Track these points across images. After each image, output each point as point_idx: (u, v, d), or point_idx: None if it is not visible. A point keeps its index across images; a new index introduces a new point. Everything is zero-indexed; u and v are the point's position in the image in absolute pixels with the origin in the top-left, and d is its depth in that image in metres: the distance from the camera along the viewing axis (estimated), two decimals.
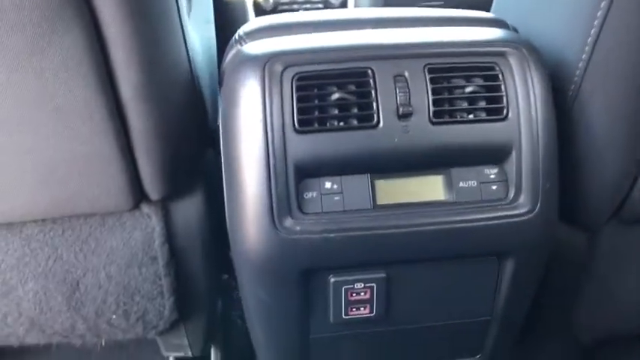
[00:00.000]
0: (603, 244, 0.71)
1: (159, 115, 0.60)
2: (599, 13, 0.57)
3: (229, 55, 0.64)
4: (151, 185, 0.66)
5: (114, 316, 0.73)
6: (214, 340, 0.96)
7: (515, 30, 0.68)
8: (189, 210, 0.72)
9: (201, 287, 0.78)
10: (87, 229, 0.69)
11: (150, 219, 0.69)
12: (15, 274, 0.69)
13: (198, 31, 0.74)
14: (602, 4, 0.57)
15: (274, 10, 1.68)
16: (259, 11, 1.68)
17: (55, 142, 0.59)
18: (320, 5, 1.71)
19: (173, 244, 0.71)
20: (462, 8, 1.97)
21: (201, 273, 0.76)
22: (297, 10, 1.69)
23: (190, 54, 0.66)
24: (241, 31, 0.66)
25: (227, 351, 0.99)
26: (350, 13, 0.72)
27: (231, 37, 1.78)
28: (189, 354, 0.88)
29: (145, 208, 0.69)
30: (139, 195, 0.66)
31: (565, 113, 0.64)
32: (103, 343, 0.80)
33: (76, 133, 0.58)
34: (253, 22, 0.69)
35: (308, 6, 1.71)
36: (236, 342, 1.01)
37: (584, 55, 0.60)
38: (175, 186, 0.69)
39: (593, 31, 0.58)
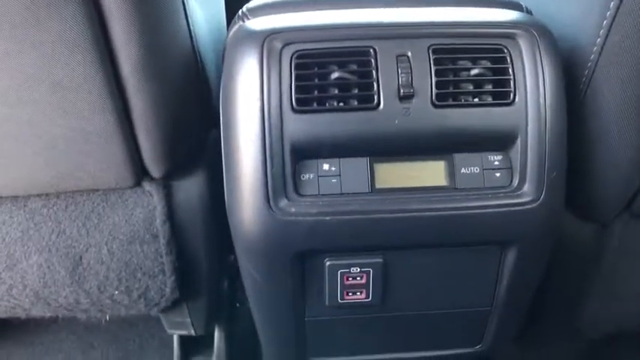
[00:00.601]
0: (613, 238, 0.68)
1: (158, 92, 0.60)
2: None
3: (231, 32, 0.63)
4: (152, 162, 0.66)
5: (116, 292, 0.74)
6: (219, 320, 0.97)
7: (529, 12, 0.65)
8: (191, 189, 0.72)
9: (203, 267, 0.78)
10: (90, 205, 0.70)
11: (151, 197, 0.69)
12: (19, 247, 0.70)
13: (204, 9, 0.73)
14: None
15: None
16: None
17: (54, 117, 0.59)
18: None
19: (175, 222, 0.71)
20: None
21: (203, 253, 0.76)
22: None
23: (193, 30, 0.65)
24: (245, 7, 0.65)
25: (231, 332, 1.00)
26: None
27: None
28: (192, 333, 0.88)
29: (147, 186, 0.69)
30: (140, 172, 0.66)
31: (577, 100, 0.62)
32: (108, 318, 0.81)
33: (75, 108, 0.58)
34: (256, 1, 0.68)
35: None
36: (241, 323, 1.01)
37: (598, 40, 0.57)
38: (177, 164, 0.69)
39: (608, 14, 0.56)
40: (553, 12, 0.66)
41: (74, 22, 0.52)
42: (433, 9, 0.62)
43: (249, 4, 0.65)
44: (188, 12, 0.63)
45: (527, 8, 0.65)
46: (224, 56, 0.64)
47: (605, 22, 0.56)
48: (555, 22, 0.64)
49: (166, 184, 0.70)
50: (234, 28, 0.63)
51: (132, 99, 0.59)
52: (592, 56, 0.59)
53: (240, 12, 0.65)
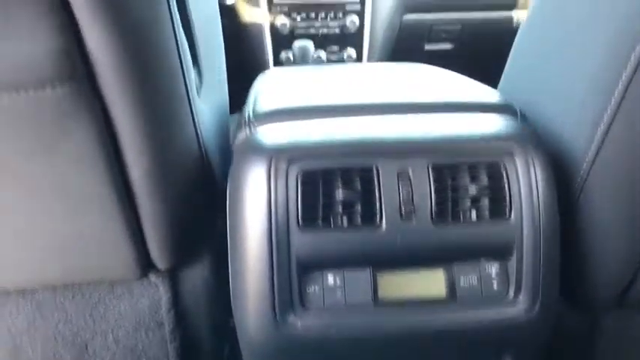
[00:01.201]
0: (606, 328, 0.71)
1: (166, 195, 0.62)
2: (609, 107, 0.57)
3: (239, 138, 0.65)
4: (159, 257, 0.68)
5: None
6: None
7: (522, 115, 0.67)
8: (196, 278, 0.74)
9: (207, 348, 0.80)
10: (96, 296, 0.71)
11: (157, 287, 0.71)
12: (25, 338, 0.71)
13: (209, 103, 0.75)
14: (613, 99, 0.57)
15: (291, 34, 1.69)
16: (277, 35, 1.70)
17: (64, 220, 0.61)
18: (337, 30, 1.72)
19: (179, 310, 0.73)
20: (472, 56, 1.95)
21: (207, 336, 0.78)
22: (314, 34, 1.70)
23: (200, 135, 0.67)
24: (252, 112, 0.66)
25: None
26: (357, 93, 0.72)
27: (249, 62, 1.77)
28: None
29: (153, 277, 0.71)
30: (146, 266, 0.68)
31: (570, 204, 0.64)
32: None
33: (85, 213, 0.60)
34: (263, 100, 0.70)
35: (325, 31, 1.73)
36: None
37: (591, 148, 0.60)
38: (183, 255, 0.71)
39: (602, 124, 0.58)
40: (547, 111, 0.69)
41: (85, 141, 0.54)
42: (432, 119, 0.64)
43: (256, 109, 0.67)
44: (196, 118, 0.65)
45: (521, 112, 0.68)
46: (231, 159, 0.66)
47: (599, 130, 0.59)
48: (549, 122, 0.67)
49: (172, 274, 0.72)
50: (242, 136, 0.65)
51: (140, 203, 0.61)
52: (585, 165, 0.61)
53: (247, 116, 0.67)
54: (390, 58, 1.80)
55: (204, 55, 0.73)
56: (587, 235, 0.65)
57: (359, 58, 1.76)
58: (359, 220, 0.58)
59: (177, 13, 0.58)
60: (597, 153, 0.60)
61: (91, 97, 0.52)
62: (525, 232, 0.60)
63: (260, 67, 1.74)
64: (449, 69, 2.14)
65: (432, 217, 0.58)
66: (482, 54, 1.91)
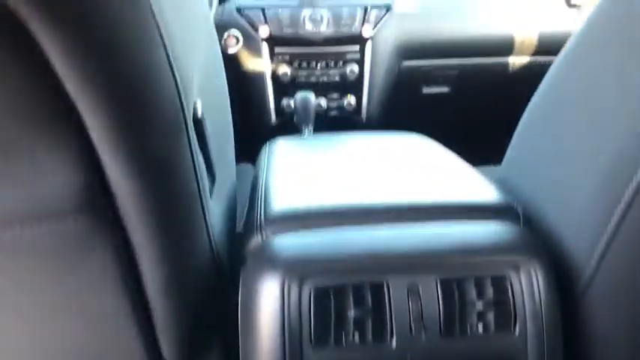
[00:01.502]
0: None
1: (180, 298, 0.64)
2: (616, 212, 0.59)
3: (251, 245, 0.67)
4: (170, 354, 0.69)
5: None
6: None
7: (524, 218, 0.70)
8: None
9: None
10: None
11: None
12: None
13: (219, 193, 0.77)
14: (623, 201, 0.58)
15: (292, 82, 1.72)
16: (278, 83, 1.72)
17: (76, 329, 0.62)
18: (337, 78, 1.75)
19: None
20: (469, 98, 1.98)
21: None
22: (315, 82, 1.73)
23: (212, 236, 0.69)
24: (263, 216, 0.68)
25: None
26: (364, 189, 0.74)
27: (251, 110, 1.77)
28: None
29: None
30: None
31: (573, 307, 0.66)
32: None
33: (99, 321, 0.62)
34: (273, 198, 0.72)
35: (325, 79, 1.75)
36: None
37: (596, 251, 0.62)
38: (194, 349, 0.72)
39: (608, 229, 0.60)
40: (550, 211, 0.71)
41: (103, 264, 0.56)
42: (437, 226, 0.66)
43: (267, 212, 0.69)
44: (209, 226, 0.67)
45: (523, 215, 0.70)
46: (241, 264, 0.68)
47: (601, 241, 0.61)
48: (552, 223, 0.69)
49: None
50: (254, 242, 0.67)
51: (154, 308, 0.63)
52: (588, 269, 0.63)
53: (258, 220, 0.68)
54: (389, 101, 1.83)
55: (216, 152, 0.75)
56: (589, 338, 0.67)
57: (358, 105, 1.79)
58: (370, 336, 0.60)
59: (196, 140, 0.60)
60: (601, 259, 0.62)
61: (111, 226, 0.54)
62: (529, 344, 0.62)
63: (262, 114, 1.77)
64: (447, 110, 2.15)
65: (440, 331, 0.60)
66: (478, 96, 1.94)
